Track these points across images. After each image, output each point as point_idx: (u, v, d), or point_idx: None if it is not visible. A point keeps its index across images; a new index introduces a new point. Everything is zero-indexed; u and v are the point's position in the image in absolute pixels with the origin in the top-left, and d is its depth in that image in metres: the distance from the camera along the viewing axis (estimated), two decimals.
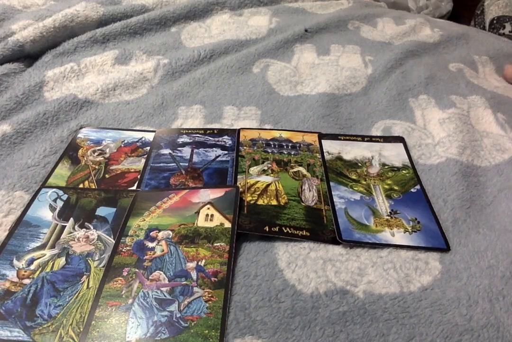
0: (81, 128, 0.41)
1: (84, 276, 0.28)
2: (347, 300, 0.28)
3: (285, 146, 0.40)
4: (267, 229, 0.31)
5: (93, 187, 0.35)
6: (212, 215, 0.32)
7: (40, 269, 0.28)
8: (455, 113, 0.44)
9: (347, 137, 0.42)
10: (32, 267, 0.28)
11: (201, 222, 0.31)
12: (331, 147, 0.41)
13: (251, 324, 0.26)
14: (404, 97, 0.48)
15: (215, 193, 0.33)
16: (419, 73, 0.51)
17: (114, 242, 0.30)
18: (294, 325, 0.26)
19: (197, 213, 0.32)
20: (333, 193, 0.35)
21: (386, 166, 0.39)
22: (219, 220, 0.31)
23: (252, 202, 0.34)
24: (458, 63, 0.55)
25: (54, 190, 0.34)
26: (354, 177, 0.37)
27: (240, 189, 0.35)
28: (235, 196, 0.33)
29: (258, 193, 0.35)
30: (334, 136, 0.42)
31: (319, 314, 0.27)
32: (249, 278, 0.28)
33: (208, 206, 0.32)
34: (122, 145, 0.40)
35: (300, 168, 0.38)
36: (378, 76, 0.51)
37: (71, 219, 0.32)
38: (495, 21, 0.75)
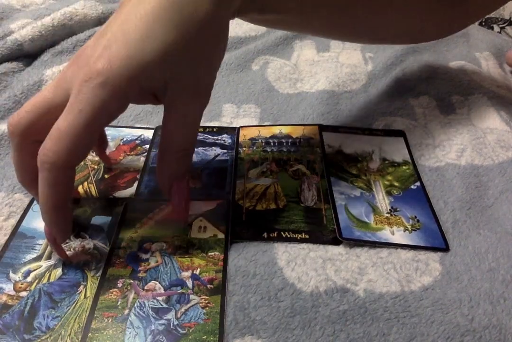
0: None
1: (81, 286, 0.28)
2: (348, 298, 0.27)
3: (284, 143, 0.40)
4: (265, 236, 0.31)
5: (93, 188, 0.35)
6: (205, 227, 0.32)
7: (36, 280, 0.28)
8: (455, 119, 0.44)
9: (348, 130, 0.42)
10: (29, 279, 0.28)
11: (194, 234, 0.31)
12: (332, 140, 0.40)
13: (251, 324, 0.26)
14: (405, 95, 0.47)
15: (207, 205, 0.33)
16: (420, 71, 0.51)
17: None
18: (294, 324, 0.26)
19: (190, 225, 0.32)
20: (333, 188, 0.35)
21: (386, 161, 0.38)
22: (212, 232, 0.31)
23: (250, 208, 0.33)
24: (460, 60, 0.54)
25: None
26: (354, 171, 0.37)
27: (239, 195, 0.34)
28: (226, 209, 0.33)
29: (256, 197, 0.34)
30: (335, 128, 0.42)
31: (319, 313, 0.27)
32: (248, 277, 0.28)
33: (201, 218, 0.32)
34: (121, 144, 0.40)
35: (300, 166, 0.37)
36: (379, 73, 0.51)
37: None
38: (483, 23, 0.76)
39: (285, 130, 0.41)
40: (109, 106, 0.24)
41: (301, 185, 0.36)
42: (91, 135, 0.24)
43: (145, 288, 0.28)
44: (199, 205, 0.33)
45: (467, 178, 0.37)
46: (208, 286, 0.28)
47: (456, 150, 0.40)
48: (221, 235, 0.31)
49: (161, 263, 0.29)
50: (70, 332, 0.25)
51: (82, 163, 0.37)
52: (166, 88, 0.25)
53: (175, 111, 0.26)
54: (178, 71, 0.25)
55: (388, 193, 0.35)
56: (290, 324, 0.26)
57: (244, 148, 0.39)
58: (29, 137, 0.26)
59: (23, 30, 0.50)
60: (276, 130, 0.42)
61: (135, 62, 0.23)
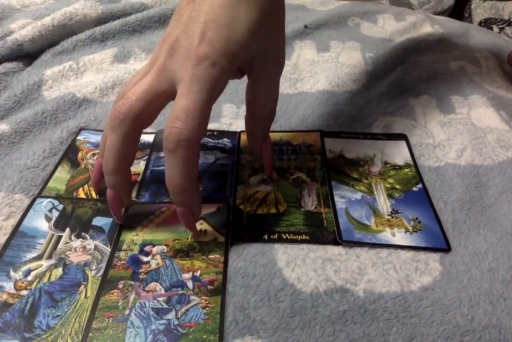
0: (80, 130, 0.41)
1: (82, 286, 0.28)
2: (347, 299, 0.27)
3: (285, 151, 0.40)
4: (266, 238, 0.31)
5: (93, 191, 0.35)
6: (205, 230, 0.32)
7: (37, 279, 0.28)
8: (455, 119, 0.44)
9: (349, 135, 0.42)
10: (29, 278, 0.28)
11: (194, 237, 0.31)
12: (333, 146, 0.40)
13: (251, 324, 0.26)
14: (405, 95, 0.47)
15: (207, 208, 0.33)
16: (420, 71, 0.51)
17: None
18: (294, 324, 0.26)
19: None
20: (334, 192, 0.35)
21: (388, 165, 0.38)
22: (212, 235, 0.31)
23: (251, 212, 0.33)
24: (460, 60, 0.54)
25: (49, 200, 0.33)
26: (355, 175, 0.37)
27: (239, 200, 0.34)
28: (227, 212, 0.33)
29: (257, 203, 0.34)
30: (336, 134, 0.42)
31: (319, 313, 0.27)
32: (247, 278, 0.28)
33: (201, 221, 0.32)
34: None
35: (300, 174, 0.37)
36: (379, 73, 0.51)
37: (67, 229, 0.32)
38: (482, 24, 0.76)
39: (285, 137, 0.41)
40: (220, 83, 0.27)
41: (301, 192, 0.35)
42: (210, 109, 0.27)
43: (146, 289, 0.28)
44: None
45: (467, 178, 0.37)
46: (209, 287, 0.28)
47: (456, 150, 0.40)
48: (221, 238, 0.31)
49: (161, 265, 0.29)
50: (71, 331, 0.25)
51: (82, 166, 0.37)
52: (253, 61, 0.29)
53: (262, 80, 0.31)
54: (263, 44, 0.28)
55: (390, 196, 0.35)
56: (290, 324, 0.26)
57: (245, 155, 0.39)
58: (138, 125, 0.28)
59: (23, 30, 0.50)
60: (276, 136, 0.41)
61: (232, 42, 0.26)
